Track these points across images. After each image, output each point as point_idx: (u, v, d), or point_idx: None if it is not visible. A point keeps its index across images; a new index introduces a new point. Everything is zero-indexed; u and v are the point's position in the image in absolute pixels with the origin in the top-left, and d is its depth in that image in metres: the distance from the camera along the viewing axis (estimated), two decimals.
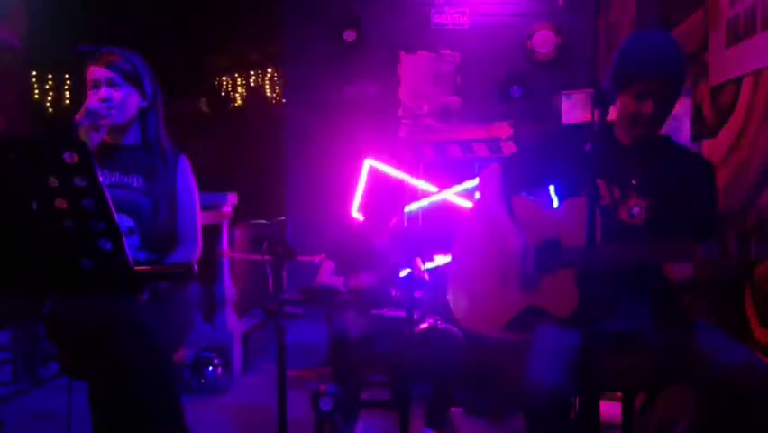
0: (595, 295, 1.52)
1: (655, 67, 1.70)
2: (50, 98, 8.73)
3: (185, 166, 2.08)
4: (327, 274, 3.25)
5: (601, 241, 1.49)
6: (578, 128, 2.08)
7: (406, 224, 3.87)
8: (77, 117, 1.81)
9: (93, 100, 1.90)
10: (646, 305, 1.81)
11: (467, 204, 3.91)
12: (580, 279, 1.76)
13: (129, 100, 1.96)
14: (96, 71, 1.93)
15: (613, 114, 1.83)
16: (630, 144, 1.83)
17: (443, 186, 4.00)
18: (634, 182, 1.82)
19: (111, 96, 1.91)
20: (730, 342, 1.67)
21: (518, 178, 2.04)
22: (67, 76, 8.65)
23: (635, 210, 1.80)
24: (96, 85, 1.93)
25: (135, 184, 1.96)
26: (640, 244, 1.69)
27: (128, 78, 1.95)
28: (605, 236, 1.65)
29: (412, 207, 3.97)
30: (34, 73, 8.25)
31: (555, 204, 2.01)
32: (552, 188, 2.04)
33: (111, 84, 1.93)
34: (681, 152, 1.92)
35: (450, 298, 2.14)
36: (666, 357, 1.71)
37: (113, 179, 1.95)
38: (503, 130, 3.95)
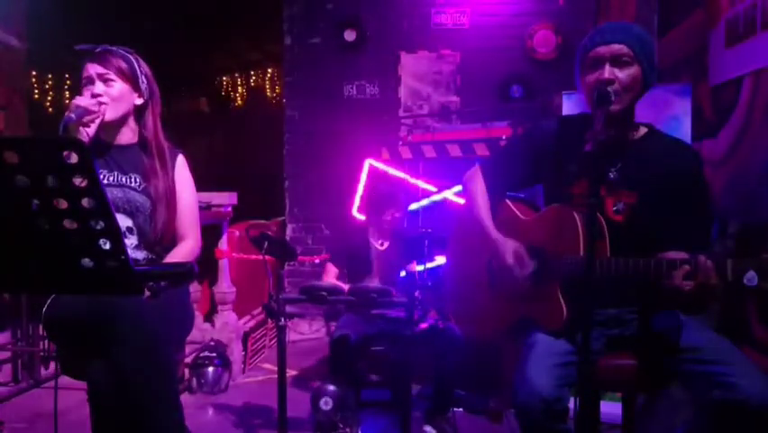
0: (582, 306, 1.46)
1: (607, 32, 1.73)
2: (50, 98, 8.74)
3: (183, 165, 2.08)
4: (331, 277, 3.25)
5: (587, 241, 1.44)
6: (567, 122, 1.97)
7: (405, 224, 3.87)
8: (67, 114, 1.80)
9: (84, 96, 1.89)
10: (634, 310, 1.79)
11: None
12: (566, 290, 1.72)
13: (123, 96, 1.95)
14: (91, 68, 1.93)
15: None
16: (606, 135, 1.63)
17: (443, 186, 4.00)
18: (612, 175, 1.76)
19: (104, 92, 1.90)
20: (718, 343, 1.66)
21: (502, 179, 1.97)
22: (67, 76, 8.66)
23: (620, 206, 1.75)
24: (90, 81, 1.92)
25: (133, 183, 1.96)
26: (634, 258, 1.62)
27: (123, 74, 1.94)
28: (591, 235, 1.59)
29: (412, 206, 3.97)
30: (34, 73, 8.26)
31: (540, 204, 1.95)
32: (540, 185, 1.95)
33: (105, 80, 1.92)
34: (666, 142, 1.82)
35: (448, 303, 2.12)
36: (659, 359, 1.70)
37: (110, 178, 1.94)
38: (503, 130, 3.96)
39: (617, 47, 1.70)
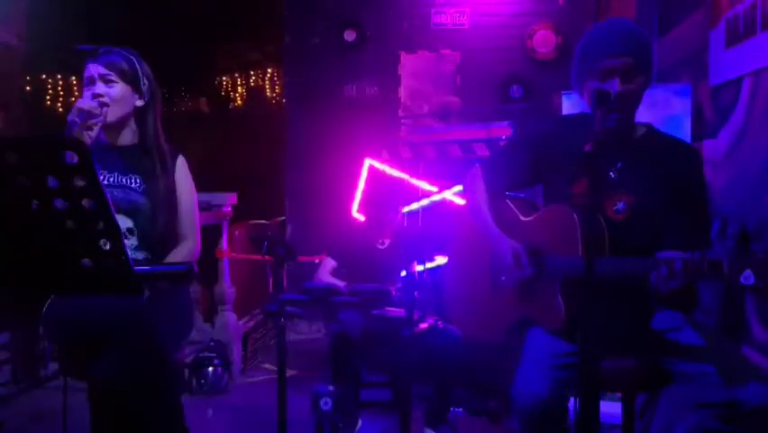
0: (581, 306, 1.46)
1: (616, 43, 1.70)
2: (50, 98, 8.74)
3: (183, 166, 2.08)
4: (325, 272, 3.25)
5: (587, 241, 1.44)
6: (566, 122, 1.96)
7: (405, 224, 3.87)
8: (70, 117, 1.80)
9: (85, 98, 1.89)
10: (634, 310, 1.78)
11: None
12: (565, 290, 1.71)
13: (124, 98, 1.95)
14: (92, 68, 1.93)
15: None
16: (606, 136, 1.64)
17: (444, 186, 4.00)
18: (612, 175, 1.76)
19: (105, 93, 1.90)
20: (717, 343, 1.66)
21: (502, 180, 1.97)
22: (66, 76, 8.66)
23: (620, 206, 1.74)
24: (92, 81, 1.92)
25: (133, 184, 1.96)
26: (631, 257, 1.62)
27: (124, 75, 1.94)
28: (590, 236, 1.57)
29: (412, 206, 3.97)
30: (34, 73, 8.26)
31: (540, 204, 1.95)
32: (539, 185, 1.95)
33: (106, 81, 1.92)
34: (666, 142, 1.82)
35: (448, 304, 2.12)
36: (659, 359, 1.70)
37: (111, 179, 1.94)
38: (503, 130, 3.95)
39: (627, 60, 1.69)
